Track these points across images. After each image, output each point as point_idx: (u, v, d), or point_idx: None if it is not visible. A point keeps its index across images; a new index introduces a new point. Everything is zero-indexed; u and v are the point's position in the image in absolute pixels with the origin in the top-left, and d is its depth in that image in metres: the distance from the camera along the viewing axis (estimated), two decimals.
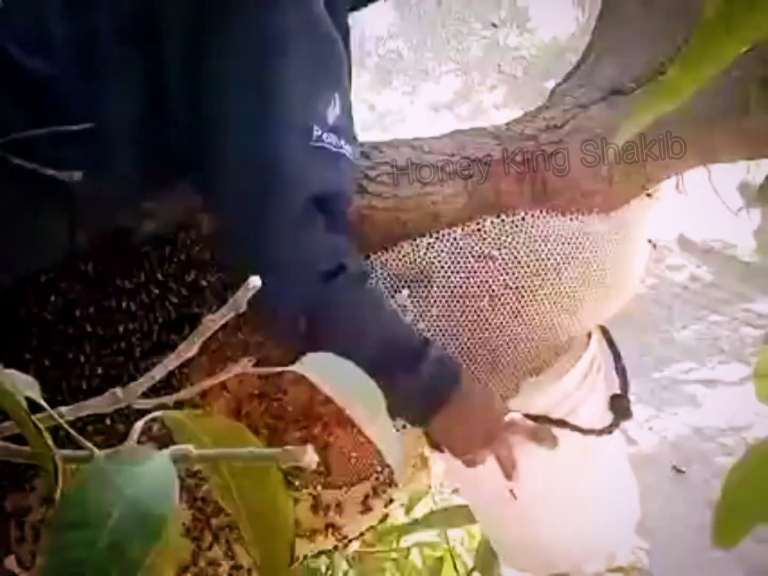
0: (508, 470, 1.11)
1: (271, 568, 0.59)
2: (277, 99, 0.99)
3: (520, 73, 5.79)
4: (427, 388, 1.06)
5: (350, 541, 1.37)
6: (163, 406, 0.55)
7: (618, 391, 1.23)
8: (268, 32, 0.99)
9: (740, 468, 0.57)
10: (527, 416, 1.13)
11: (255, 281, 0.53)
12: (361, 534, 1.38)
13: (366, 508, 1.33)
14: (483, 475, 1.13)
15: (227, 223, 1.06)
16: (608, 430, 1.17)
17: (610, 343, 1.27)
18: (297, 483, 1.28)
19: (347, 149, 1.04)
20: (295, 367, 0.52)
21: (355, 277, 1.06)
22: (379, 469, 1.31)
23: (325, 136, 1.01)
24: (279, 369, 0.55)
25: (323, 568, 1.71)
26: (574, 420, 1.13)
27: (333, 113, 1.02)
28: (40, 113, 0.95)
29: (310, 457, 0.45)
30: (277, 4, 0.99)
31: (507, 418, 1.12)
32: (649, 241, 1.26)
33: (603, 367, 1.23)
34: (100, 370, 1.12)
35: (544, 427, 1.12)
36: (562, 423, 1.12)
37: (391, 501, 1.35)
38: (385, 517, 1.40)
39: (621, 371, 1.25)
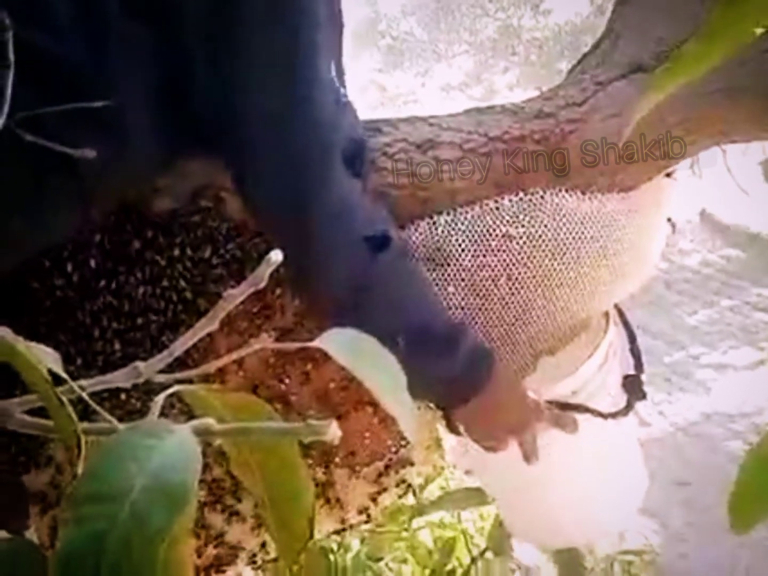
0: (530, 456, 1.11)
1: (289, 544, 0.59)
2: (307, 59, 0.98)
3: (534, 55, 5.76)
4: (460, 375, 1.06)
5: (352, 526, 1.37)
6: (182, 381, 0.55)
7: (632, 372, 1.23)
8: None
9: (757, 452, 0.57)
10: (550, 403, 1.13)
11: (276, 255, 0.52)
12: (368, 517, 1.38)
13: (380, 489, 1.34)
14: (500, 457, 1.13)
15: (266, 188, 1.02)
16: (624, 412, 1.18)
17: (626, 324, 1.27)
18: (309, 462, 1.28)
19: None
20: (314, 343, 0.52)
21: (402, 251, 1.06)
22: (393, 449, 1.31)
23: (344, 92, 1.01)
24: (298, 345, 0.55)
25: (335, 547, 1.72)
26: (592, 404, 1.14)
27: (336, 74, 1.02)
28: (52, 91, 0.94)
29: (333, 431, 0.45)
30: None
31: (533, 405, 1.12)
32: (669, 220, 1.25)
33: (618, 350, 1.24)
34: (116, 346, 1.12)
35: (566, 413, 1.12)
36: (583, 409, 1.14)
37: (403, 482, 1.35)
38: (399, 497, 1.40)
39: (635, 352, 1.25)
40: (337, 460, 1.28)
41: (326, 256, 0.88)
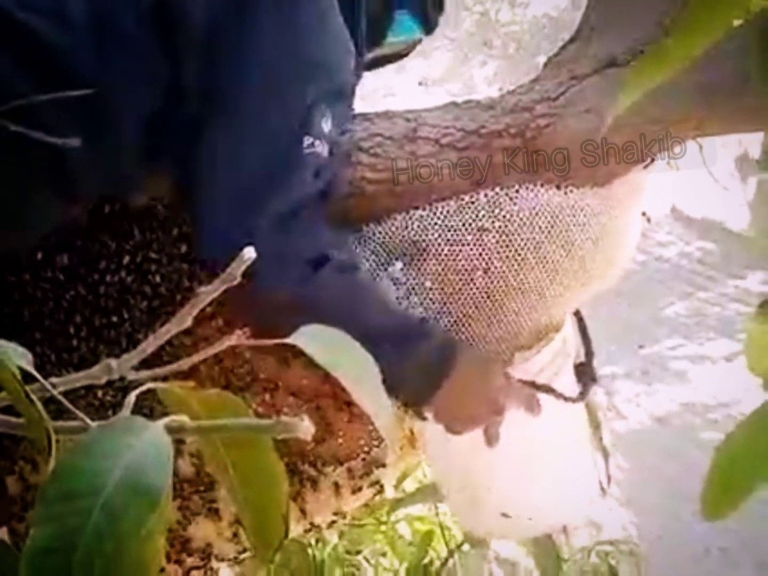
0: (492, 439, 1.13)
1: (264, 541, 0.59)
2: (284, 107, 1.06)
3: (512, 48, 5.76)
4: (427, 363, 1.08)
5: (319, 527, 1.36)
6: (155, 379, 0.55)
7: (583, 360, 1.27)
8: (284, 52, 1.05)
9: (728, 444, 0.57)
10: (520, 381, 1.15)
11: (250, 252, 0.52)
12: (335, 520, 1.37)
13: (353, 489, 1.32)
14: (453, 446, 1.16)
15: (209, 211, 1.07)
16: (581, 396, 1.23)
17: (575, 312, 1.29)
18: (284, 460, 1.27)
19: (337, 149, 1.10)
20: (289, 339, 0.52)
21: (343, 268, 1.08)
22: (366, 449, 1.30)
23: (317, 144, 1.06)
24: (273, 341, 0.55)
25: (313, 541, 1.72)
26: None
27: (326, 124, 1.07)
28: (50, 83, 0.95)
29: (306, 427, 0.45)
30: (295, 26, 1.05)
31: (505, 385, 1.13)
32: (644, 214, 1.26)
33: (574, 341, 1.27)
34: (91, 343, 1.12)
35: (533, 392, 1.15)
36: (548, 389, 1.17)
37: (377, 483, 1.34)
38: (373, 496, 1.39)
39: (585, 339, 1.28)
40: (310, 459, 1.27)
41: (264, 275, 0.89)
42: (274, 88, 1.05)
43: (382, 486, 1.34)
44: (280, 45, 1.05)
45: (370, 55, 1.26)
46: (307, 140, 1.05)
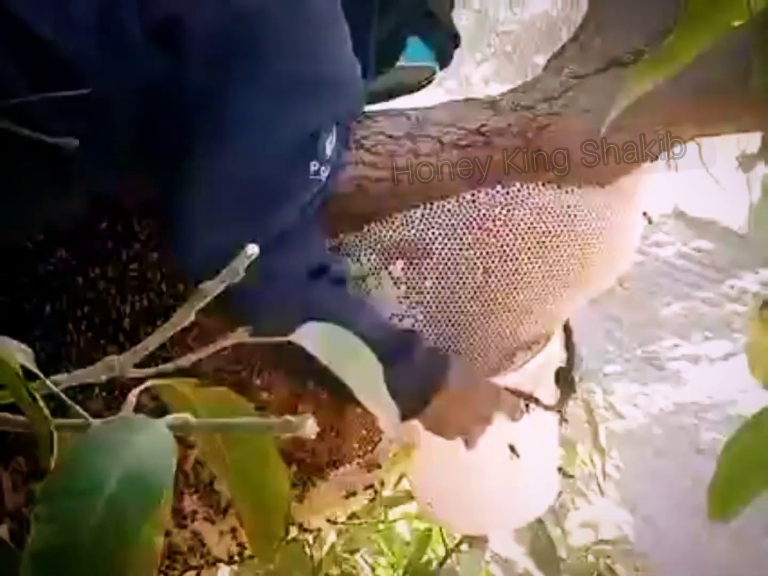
0: (471, 443, 1.13)
1: (264, 541, 0.58)
2: (291, 131, 1.03)
3: (509, 47, 5.76)
4: (416, 377, 1.07)
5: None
6: (157, 376, 0.55)
7: (564, 365, 1.27)
8: (290, 79, 1.03)
9: (734, 443, 0.57)
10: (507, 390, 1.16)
11: (252, 248, 0.52)
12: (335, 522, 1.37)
13: (348, 493, 1.31)
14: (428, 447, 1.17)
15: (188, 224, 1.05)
16: (560, 405, 1.24)
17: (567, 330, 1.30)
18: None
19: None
20: (291, 337, 0.52)
21: (336, 280, 1.08)
22: (361, 453, 1.29)
23: (321, 170, 1.05)
24: (275, 339, 0.54)
25: (310, 539, 1.72)
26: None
27: (330, 147, 1.05)
28: (52, 85, 0.95)
29: (310, 426, 0.45)
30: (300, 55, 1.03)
31: (494, 395, 1.14)
32: (645, 214, 1.26)
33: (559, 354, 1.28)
34: (90, 340, 1.11)
35: (517, 401, 1.16)
36: (532, 398, 1.18)
37: (371, 487, 1.33)
38: (369, 501, 1.38)
39: (570, 347, 1.29)
40: (307, 461, 1.26)
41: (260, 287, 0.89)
42: (284, 112, 1.03)
43: (376, 492, 1.33)
44: (290, 67, 1.03)
45: (381, 87, 1.24)
46: (314, 166, 1.04)
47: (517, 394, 1.17)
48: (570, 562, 1.81)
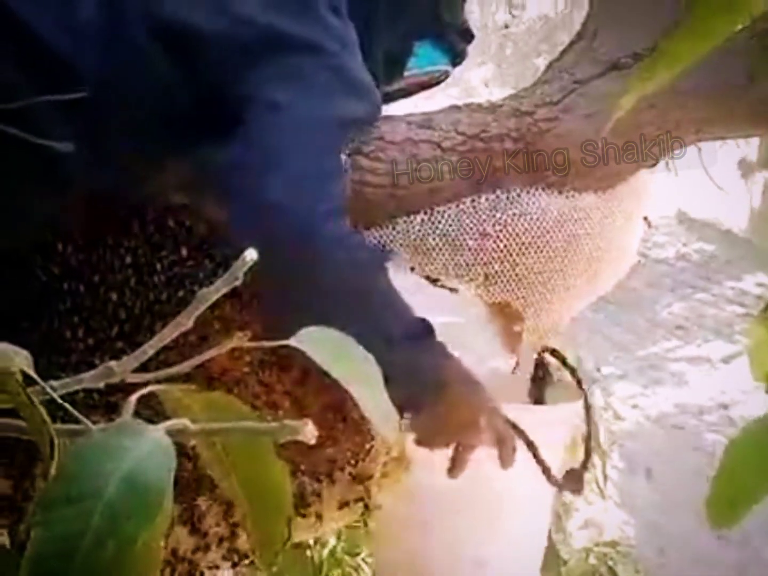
0: (457, 468, 1.07)
1: (267, 545, 0.58)
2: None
3: (509, 50, 5.76)
4: (422, 367, 1.05)
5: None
6: (156, 381, 0.55)
7: (576, 467, 1.16)
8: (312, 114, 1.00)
9: (734, 448, 0.57)
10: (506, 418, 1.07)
11: (251, 254, 0.52)
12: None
13: (341, 503, 1.29)
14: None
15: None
16: (558, 486, 1.12)
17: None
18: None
19: None
20: (290, 341, 0.52)
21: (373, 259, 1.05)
22: (353, 462, 1.28)
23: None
24: (274, 343, 0.54)
25: (311, 542, 1.72)
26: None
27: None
28: (54, 88, 0.95)
29: (309, 430, 0.45)
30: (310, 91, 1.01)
31: (490, 412, 1.07)
32: (645, 218, 1.26)
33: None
34: (90, 346, 1.11)
35: (512, 442, 1.06)
36: (533, 447, 1.07)
37: (361, 500, 1.31)
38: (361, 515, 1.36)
39: (587, 447, 1.18)
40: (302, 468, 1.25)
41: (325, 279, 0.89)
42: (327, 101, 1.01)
43: (367, 505, 1.30)
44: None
45: (395, 86, 1.23)
46: (344, 155, 1.04)
47: (518, 432, 1.06)
48: (571, 565, 1.81)
